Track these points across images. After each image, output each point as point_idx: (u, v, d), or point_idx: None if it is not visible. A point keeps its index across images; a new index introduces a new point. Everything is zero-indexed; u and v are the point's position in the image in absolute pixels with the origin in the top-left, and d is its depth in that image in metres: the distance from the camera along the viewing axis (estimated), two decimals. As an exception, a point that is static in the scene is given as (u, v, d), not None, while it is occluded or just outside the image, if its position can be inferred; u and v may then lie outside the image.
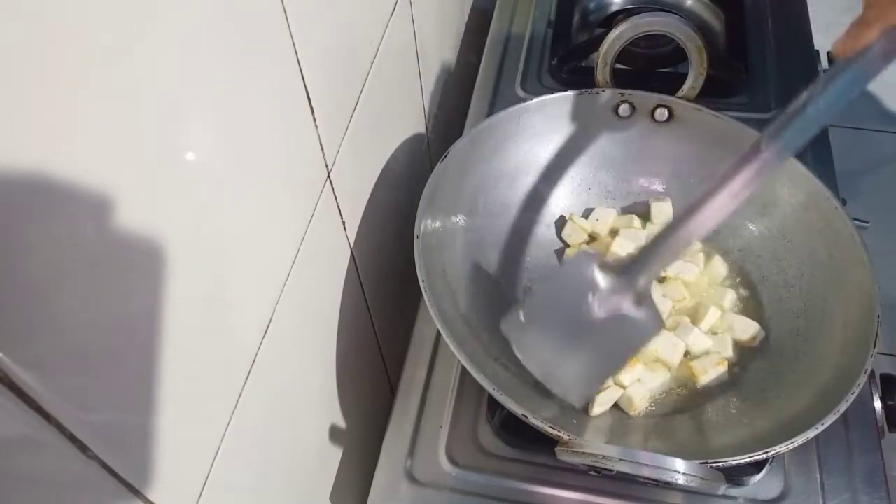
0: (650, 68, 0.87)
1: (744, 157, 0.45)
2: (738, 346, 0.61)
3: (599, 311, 0.51)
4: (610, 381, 0.58)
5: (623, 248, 0.66)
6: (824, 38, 0.89)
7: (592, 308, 0.51)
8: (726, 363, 0.60)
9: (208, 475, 0.41)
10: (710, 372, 0.59)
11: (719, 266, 0.66)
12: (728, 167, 0.45)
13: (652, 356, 0.60)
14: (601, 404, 0.57)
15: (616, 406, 0.59)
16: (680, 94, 0.70)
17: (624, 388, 0.58)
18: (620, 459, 0.45)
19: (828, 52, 0.84)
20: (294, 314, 0.50)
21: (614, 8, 0.92)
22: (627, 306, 0.50)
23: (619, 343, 0.51)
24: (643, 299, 0.50)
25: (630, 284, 0.50)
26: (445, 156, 0.61)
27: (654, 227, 0.68)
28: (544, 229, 0.70)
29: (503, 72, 0.88)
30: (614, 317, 0.50)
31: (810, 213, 0.61)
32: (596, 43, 0.73)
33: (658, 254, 0.49)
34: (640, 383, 0.58)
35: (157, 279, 0.34)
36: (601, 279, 0.51)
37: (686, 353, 0.61)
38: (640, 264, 0.50)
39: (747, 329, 0.61)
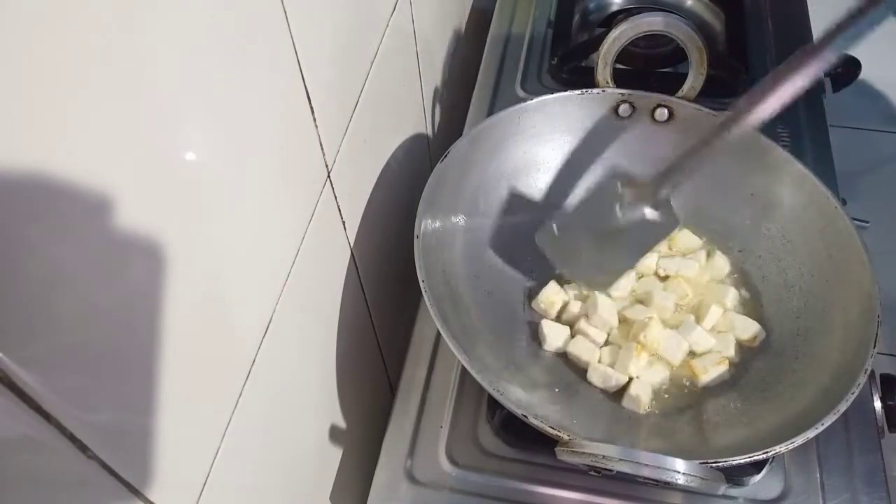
0: (650, 68, 0.87)
1: (795, 59, 0.46)
2: (739, 346, 0.61)
3: (624, 219, 0.57)
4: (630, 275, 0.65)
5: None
6: (824, 38, 0.89)
7: (618, 218, 0.57)
8: (727, 362, 0.60)
9: (208, 475, 0.41)
10: (710, 371, 0.59)
11: (721, 261, 0.66)
12: (773, 71, 0.47)
13: (654, 352, 0.60)
14: (619, 289, 0.64)
15: (618, 406, 0.59)
16: (680, 94, 0.70)
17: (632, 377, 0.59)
18: (620, 459, 0.45)
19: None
20: (294, 314, 0.50)
21: (614, 8, 0.92)
22: (648, 212, 0.56)
23: (640, 241, 0.59)
24: (661, 205, 0.56)
25: (653, 196, 0.55)
26: (445, 156, 0.61)
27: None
28: (544, 229, 0.70)
29: (503, 72, 0.88)
30: (637, 221, 0.56)
31: (810, 213, 0.61)
32: (596, 43, 0.73)
33: (688, 165, 0.53)
34: (639, 381, 0.58)
35: (156, 279, 0.34)
36: (626, 195, 0.56)
37: (690, 352, 0.61)
38: (665, 178, 0.54)
39: (748, 329, 0.61)
